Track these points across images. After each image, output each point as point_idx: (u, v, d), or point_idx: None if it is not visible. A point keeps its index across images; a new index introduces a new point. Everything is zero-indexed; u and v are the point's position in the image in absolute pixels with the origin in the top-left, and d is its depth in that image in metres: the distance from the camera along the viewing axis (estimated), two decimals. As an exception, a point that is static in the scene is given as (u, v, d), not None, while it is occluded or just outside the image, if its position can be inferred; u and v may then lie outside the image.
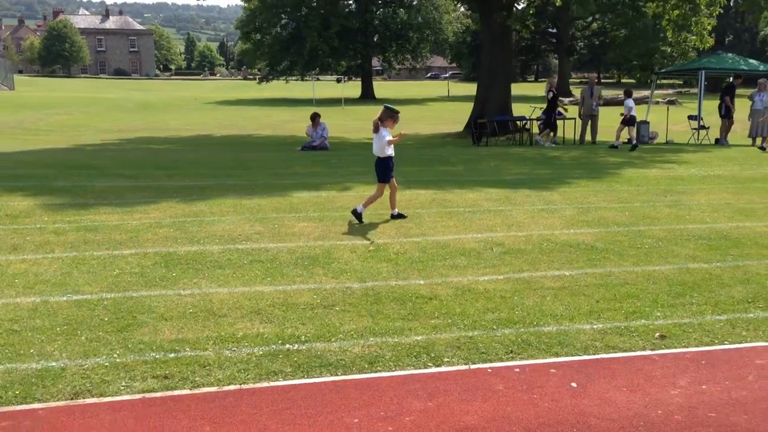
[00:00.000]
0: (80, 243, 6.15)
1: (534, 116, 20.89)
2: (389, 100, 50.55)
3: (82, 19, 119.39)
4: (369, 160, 12.76)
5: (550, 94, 19.11)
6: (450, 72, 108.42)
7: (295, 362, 3.84)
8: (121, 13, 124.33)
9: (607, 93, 48.25)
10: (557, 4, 20.44)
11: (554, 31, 63.79)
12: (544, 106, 20.01)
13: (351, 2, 57.81)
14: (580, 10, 19.02)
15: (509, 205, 8.34)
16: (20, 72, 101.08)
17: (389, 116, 7.34)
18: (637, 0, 20.03)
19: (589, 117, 19.64)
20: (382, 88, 70.39)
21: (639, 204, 8.58)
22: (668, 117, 20.80)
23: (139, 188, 8.73)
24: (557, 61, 71.19)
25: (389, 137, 7.31)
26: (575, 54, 66.76)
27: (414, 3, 59.86)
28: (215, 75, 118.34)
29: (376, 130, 7.31)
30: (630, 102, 16.56)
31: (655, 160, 13.52)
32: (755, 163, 12.97)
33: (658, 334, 4.49)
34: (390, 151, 7.38)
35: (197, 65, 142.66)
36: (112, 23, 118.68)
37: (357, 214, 7.19)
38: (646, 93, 28.68)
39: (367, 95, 59.29)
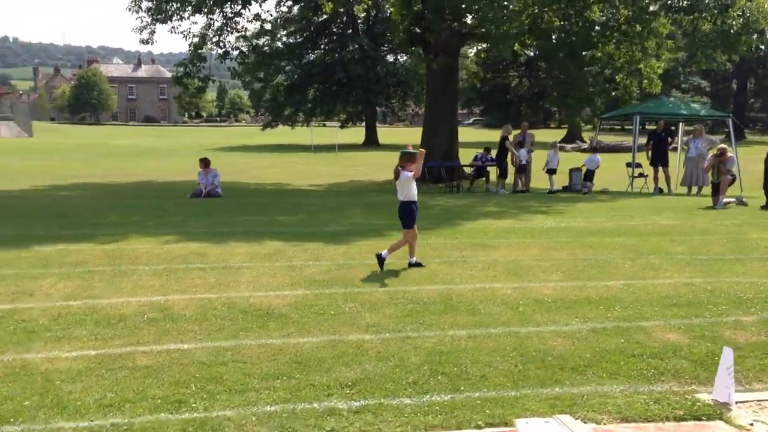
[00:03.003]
0: None
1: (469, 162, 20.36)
2: (396, 146, 50.29)
3: (115, 68, 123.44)
4: (221, 208, 12.25)
5: (506, 142, 18.74)
6: (473, 119, 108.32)
7: None
8: (153, 62, 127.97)
9: (611, 139, 47.21)
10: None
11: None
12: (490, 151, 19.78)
13: (355, 47, 58.13)
14: (505, 51, 18.38)
15: (264, 261, 7.64)
16: (52, 119, 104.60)
17: (408, 160, 7.35)
18: (575, 46, 19.28)
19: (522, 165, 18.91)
20: (392, 134, 70.36)
21: (394, 258, 7.80)
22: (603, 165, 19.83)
23: None
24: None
25: (412, 174, 7.31)
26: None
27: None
28: (240, 121, 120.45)
29: (397, 176, 7.37)
30: (522, 152, 16.27)
31: (537, 210, 12.67)
32: (637, 215, 11.99)
33: (137, 433, 3.73)
34: (413, 196, 7.39)
35: (228, 112, 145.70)
36: (143, 72, 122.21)
37: (381, 260, 7.21)
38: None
39: (371, 141, 59.33)
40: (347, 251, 8.26)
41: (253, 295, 6.28)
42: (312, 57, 58.71)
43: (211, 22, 20.51)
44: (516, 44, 22.73)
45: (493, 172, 19.78)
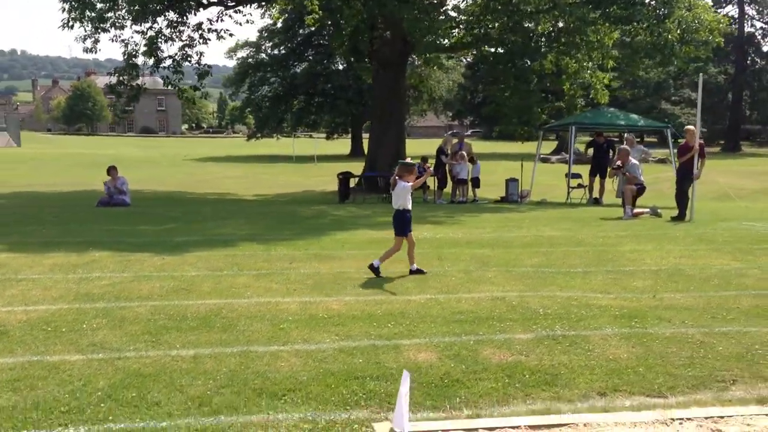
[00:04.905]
0: None
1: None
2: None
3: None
4: (99, 217, 11.74)
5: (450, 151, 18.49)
6: (470, 131, 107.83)
7: None
8: (152, 73, 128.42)
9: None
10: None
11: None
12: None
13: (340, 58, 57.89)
14: (433, 60, 17.95)
15: (59, 272, 7.14)
16: (48, 130, 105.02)
17: (406, 171, 7.52)
18: (515, 54, 18.81)
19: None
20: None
21: (226, 272, 7.30)
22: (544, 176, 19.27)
23: None
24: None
25: (410, 184, 7.45)
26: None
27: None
28: (237, 133, 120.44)
29: (393, 186, 7.49)
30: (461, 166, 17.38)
31: (435, 220, 12.13)
32: (530, 226, 11.44)
33: None
34: (409, 205, 7.47)
35: (226, 123, 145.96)
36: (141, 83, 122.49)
37: (374, 269, 7.22)
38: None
39: (357, 152, 58.84)
40: (170, 262, 7.77)
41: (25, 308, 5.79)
42: (298, 69, 58.52)
43: (146, 31, 20.17)
44: (469, 53, 22.32)
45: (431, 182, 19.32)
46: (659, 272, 7.50)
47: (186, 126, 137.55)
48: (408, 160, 7.74)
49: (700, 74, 11.76)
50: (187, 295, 6.38)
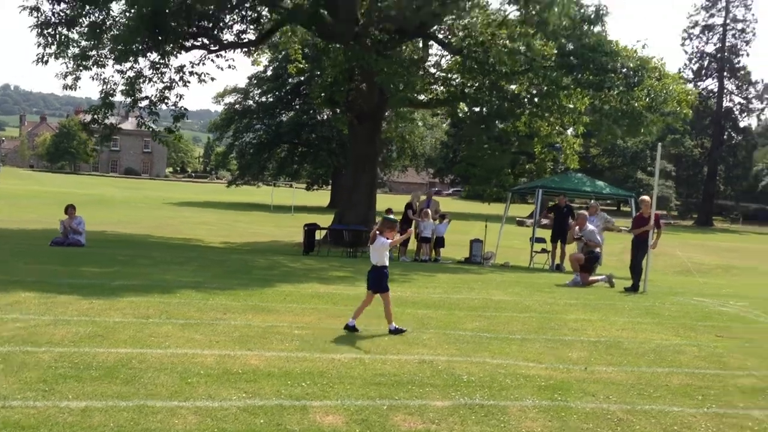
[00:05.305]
0: None
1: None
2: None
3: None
4: (48, 257, 11.35)
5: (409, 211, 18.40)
6: (452, 189, 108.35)
7: None
8: (128, 113, 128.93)
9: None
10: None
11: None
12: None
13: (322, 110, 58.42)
14: (403, 116, 18.12)
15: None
16: (31, 167, 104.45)
17: (389, 227, 7.41)
18: (489, 117, 19.02)
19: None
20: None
21: (153, 320, 7.04)
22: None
23: None
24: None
25: (389, 241, 7.34)
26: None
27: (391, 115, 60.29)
28: (221, 178, 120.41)
29: (373, 240, 7.31)
30: (427, 224, 17.32)
31: (394, 279, 11.90)
32: (481, 289, 11.29)
33: None
34: (386, 261, 7.33)
35: (212, 169, 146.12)
36: (129, 124, 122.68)
37: (394, 330, 7.16)
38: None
39: (336, 204, 58.79)
40: (97, 307, 7.50)
41: None
42: (284, 118, 58.92)
43: (126, 71, 20.21)
44: (444, 110, 22.53)
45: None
46: (597, 343, 7.34)
47: (170, 169, 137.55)
48: (391, 216, 7.79)
49: (659, 144, 11.86)
50: (100, 342, 6.12)
